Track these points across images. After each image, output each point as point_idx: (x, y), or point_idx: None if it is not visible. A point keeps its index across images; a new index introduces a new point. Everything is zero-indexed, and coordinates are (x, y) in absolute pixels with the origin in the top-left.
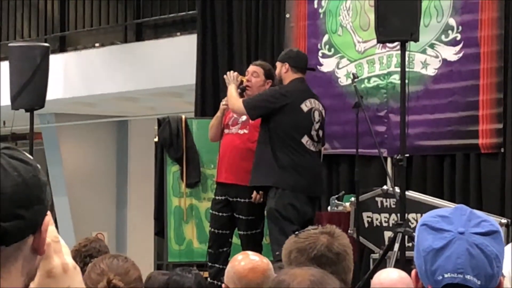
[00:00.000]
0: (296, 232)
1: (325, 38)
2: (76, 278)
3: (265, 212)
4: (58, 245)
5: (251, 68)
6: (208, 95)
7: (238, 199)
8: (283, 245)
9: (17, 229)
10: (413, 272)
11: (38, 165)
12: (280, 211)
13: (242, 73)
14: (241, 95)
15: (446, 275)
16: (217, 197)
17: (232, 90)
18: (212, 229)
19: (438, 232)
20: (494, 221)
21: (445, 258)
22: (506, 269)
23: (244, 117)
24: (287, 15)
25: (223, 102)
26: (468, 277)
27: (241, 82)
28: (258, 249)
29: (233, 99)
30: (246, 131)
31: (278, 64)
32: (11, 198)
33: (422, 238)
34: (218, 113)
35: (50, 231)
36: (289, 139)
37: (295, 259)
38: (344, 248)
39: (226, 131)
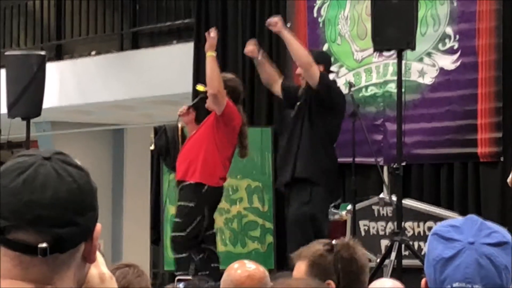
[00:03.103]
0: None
1: (325, 47)
2: None
3: (308, 213)
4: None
5: None
6: (204, 103)
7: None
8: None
9: (72, 236)
10: (423, 281)
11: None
12: (322, 215)
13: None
14: (197, 104)
15: (454, 285)
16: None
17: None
18: None
19: (448, 242)
20: (506, 232)
21: (454, 267)
22: None
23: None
24: (288, 24)
25: (181, 109)
26: (476, 287)
27: (202, 92)
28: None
29: (297, 46)
30: (194, 132)
31: None
32: (66, 204)
33: (433, 247)
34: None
35: None
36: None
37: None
38: (364, 262)
39: None
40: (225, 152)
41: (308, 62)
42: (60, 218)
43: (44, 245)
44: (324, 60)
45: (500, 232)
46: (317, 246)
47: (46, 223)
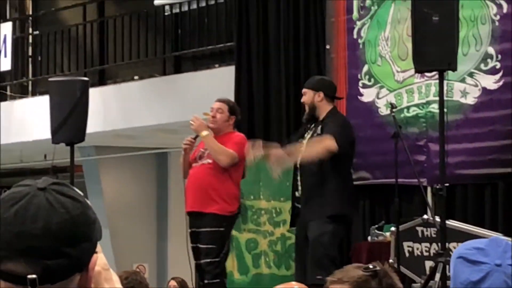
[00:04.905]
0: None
1: (365, 68)
2: None
3: (321, 235)
4: (109, 273)
5: (216, 104)
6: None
7: (201, 229)
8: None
9: (62, 267)
10: None
11: (88, 202)
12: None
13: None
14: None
15: None
16: (189, 229)
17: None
18: (195, 261)
19: (474, 265)
20: None
21: None
22: None
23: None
24: (327, 46)
25: (186, 141)
26: None
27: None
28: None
29: (312, 150)
30: (210, 161)
31: (309, 92)
32: (56, 236)
33: (459, 271)
34: (183, 152)
35: (100, 259)
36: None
37: None
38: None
39: (194, 164)
40: (238, 178)
41: (326, 152)
42: (50, 249)
43: (33, 276)
44: (323, 86)
45: None
46: (357, 270)
47: (36, 254)
